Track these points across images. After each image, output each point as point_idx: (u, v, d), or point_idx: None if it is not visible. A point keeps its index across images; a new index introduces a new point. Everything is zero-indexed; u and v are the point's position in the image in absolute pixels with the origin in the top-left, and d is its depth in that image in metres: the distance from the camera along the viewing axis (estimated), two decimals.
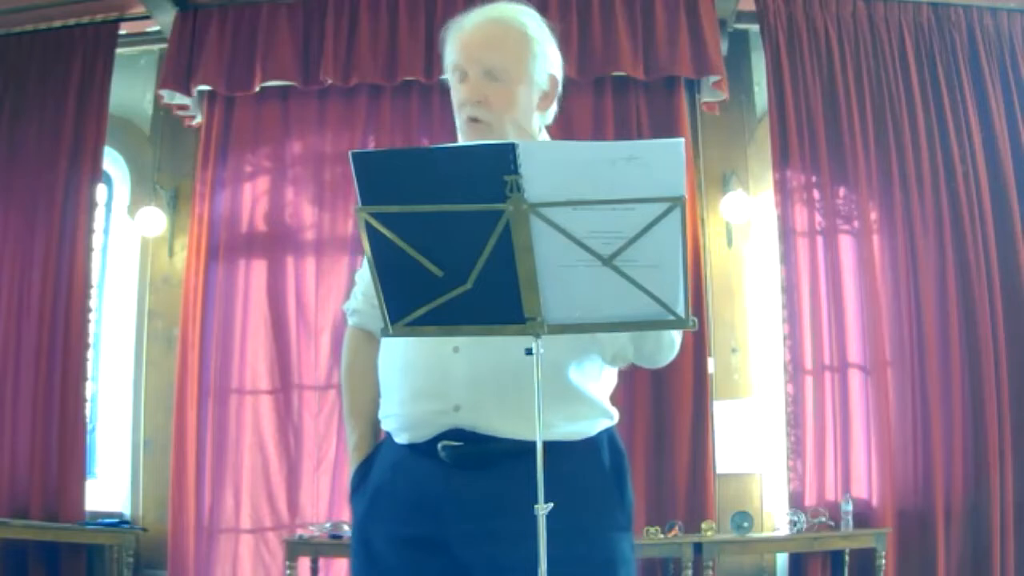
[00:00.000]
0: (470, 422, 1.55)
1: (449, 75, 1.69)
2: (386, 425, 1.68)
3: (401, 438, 1.63)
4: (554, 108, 1.75)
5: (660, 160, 1.16)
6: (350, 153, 1.19)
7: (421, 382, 1.59)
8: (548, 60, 1.70)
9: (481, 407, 1.53)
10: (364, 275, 1.78)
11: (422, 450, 1.59)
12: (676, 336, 1.56)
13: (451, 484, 1.55)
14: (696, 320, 1.31)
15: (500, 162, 1.15)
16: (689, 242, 1.21)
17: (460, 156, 1.21)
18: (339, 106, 5.32)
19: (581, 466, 1.59)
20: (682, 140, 1.18)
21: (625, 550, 1.59)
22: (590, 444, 1.61)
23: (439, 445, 1.56)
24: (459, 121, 1.66)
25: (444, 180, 1.18)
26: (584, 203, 1.17)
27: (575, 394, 1.61)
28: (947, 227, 4.93)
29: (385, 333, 1.36)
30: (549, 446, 1.52)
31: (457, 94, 1.66)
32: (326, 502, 4.97)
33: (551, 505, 1.32)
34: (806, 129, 5.05)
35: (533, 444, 1.42)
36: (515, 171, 1.15)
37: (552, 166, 1.16)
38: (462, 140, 1.67)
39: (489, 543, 1.33)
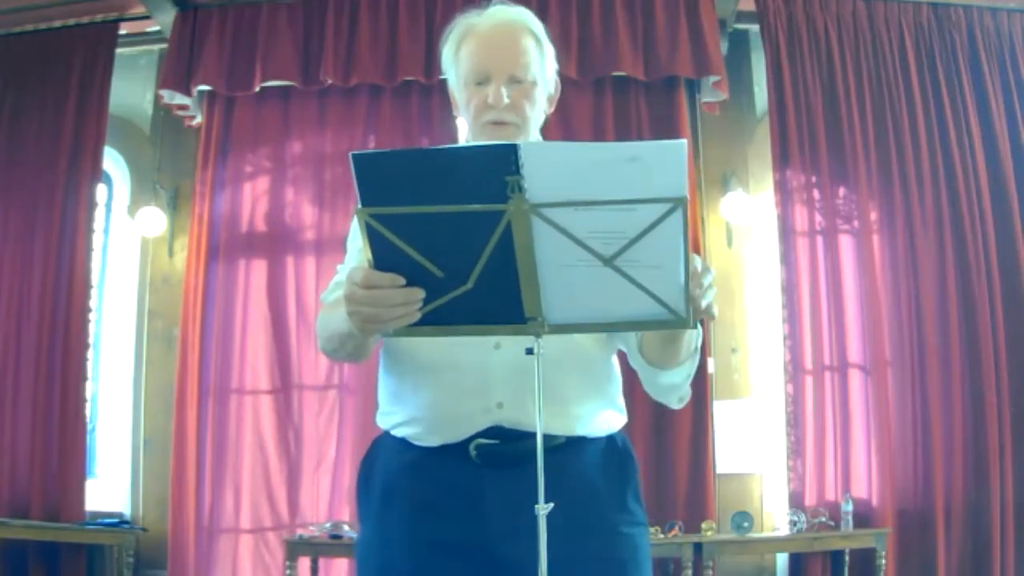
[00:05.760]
0: (512, 419, 1.53)
1: (462, 78, 1.65)
2: (403, 430, 1.61)
3: (429, 440, 1.58)
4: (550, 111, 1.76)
5: (662, 161, 1.16)
6: (350, 155, 1.18)
7: (462, 380, 1.55)
8: (552, 63, 1.71)
9: (524, 403, 1.50)
10: (348, 267, 1.74)
11: (448, 451, 1.55)
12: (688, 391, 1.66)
13: (484, 482, 1.53)
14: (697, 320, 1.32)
15: (502, 163, 1.15)
16: (690, 242, 1.21)
17: (462, 157, 1.21)
18: (339, 106, 5.32)
19: (604, 462, 1.61)
20: (684, 142, 1.17)
21: (647, 546, 1.61)
22: (611, 440, 1.64)
23: (471, 445, 1.54)
24: (476, 125, 1.63)
25: (445, 181, 1.18)
26: (585, 204, 1.17)
27: (605, 391, 1.64)
28: (947, 227, 4.93)
29: (385, 334, 1.35)
30: (577, 441, 1.58)
31: (475, 98, 1.62)
32: (326, 502, 4.97)
33: (551, 505, 1.32)
34: (806, 129, 5.05)
35: (564, 440, 1.54)
36: (517, 172, 1.15)
37: (554, 167, 1.16)
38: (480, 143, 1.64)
39: (528, 540, 1.31)
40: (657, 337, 1.51)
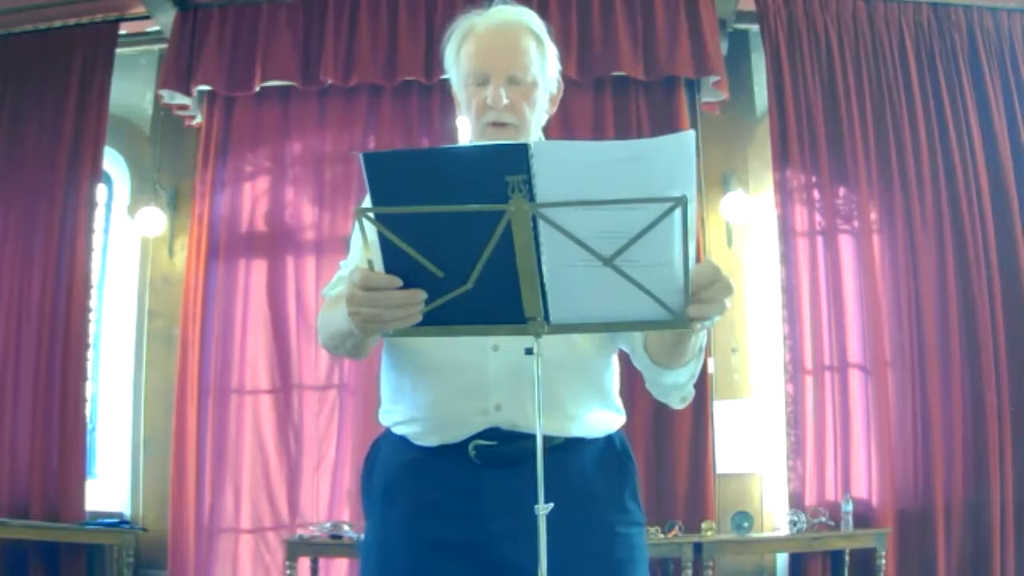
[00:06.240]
0: (510, 420, 1.54)
1: (463, 79, 1.65)
2: (403, 429, 1.62)
3: (428, 440, 1.59)
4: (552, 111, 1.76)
5: (669, 157, 1.15)
6: (361, 155, 1.17)
7: (460, 381, 1.56)
8: (554, 63, 1.71)
9: (522, 405, 1.51)
10: (351, 264, 1.72)
11: (448, 451, 1.56)
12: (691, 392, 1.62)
13: (484, 483, 1.54)
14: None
15: (509, 162, 1.15)
16: (691, 242, 1.20)
17: (471, 156, 1.21)
18: (339, 106, 5.32)
19: (602, 462, 1.61)
20: (692, 132, 1.16)
21: (644, 546, 1.61)
22: (609, 440, 1.63)
23: (471, 445, 1.54)
24: (477, 126, 1.63)
25: (453, 181, 1.18)
26: (586, 203, 1.16)
27: (602, 392, 1.64)
28: (947, 227, 4.93)
29: (385, 334, 1.35)
30: (575, 442, 1.58)
31: (475, 99, 1.62)
32: (326, 502, 4.97)
33: (551, 505, 1.31)
34: (806, 129, 5.05)
35: (562, 440, 1.55)
36: (524, 171, 1.15)
37: (565, 166, 1.15)
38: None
39: (527, 540, 1.31)
40: (663, 337, 1.50)
